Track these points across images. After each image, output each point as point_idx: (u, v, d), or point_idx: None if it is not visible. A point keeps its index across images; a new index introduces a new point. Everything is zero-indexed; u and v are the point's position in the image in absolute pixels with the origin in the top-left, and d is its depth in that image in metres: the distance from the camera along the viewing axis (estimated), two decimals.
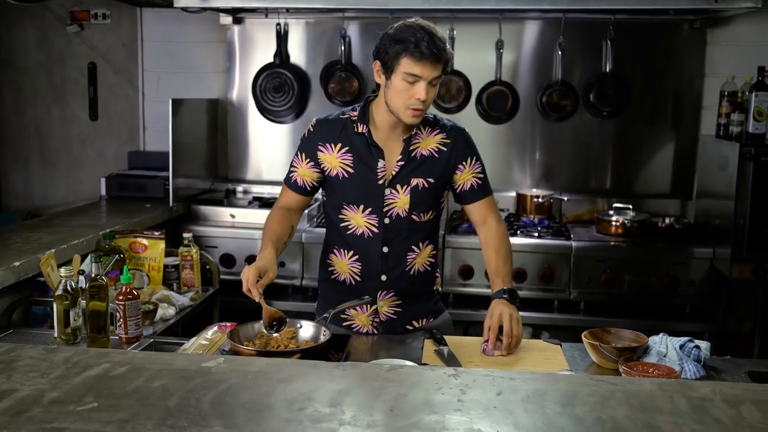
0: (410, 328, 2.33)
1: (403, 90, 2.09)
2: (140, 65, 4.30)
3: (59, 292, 2.17)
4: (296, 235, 3.54)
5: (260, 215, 3.74)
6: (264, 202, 3.94)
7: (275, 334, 2.02)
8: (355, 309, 2.30)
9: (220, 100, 4.26)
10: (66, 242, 2.86)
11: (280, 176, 4.12)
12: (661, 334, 2.05)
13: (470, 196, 2.32)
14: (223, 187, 4.17)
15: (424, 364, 1.96)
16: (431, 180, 2.24)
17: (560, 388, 1.38)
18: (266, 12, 4.05)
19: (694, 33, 3.90)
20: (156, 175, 3.96)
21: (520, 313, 3.43)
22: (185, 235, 3.00)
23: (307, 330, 2.08)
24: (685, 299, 3.43)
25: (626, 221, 3.62)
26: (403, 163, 2.21)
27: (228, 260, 3.61)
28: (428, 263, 2.34)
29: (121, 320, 2.19)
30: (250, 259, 3.60)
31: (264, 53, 4.15)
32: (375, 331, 2.32)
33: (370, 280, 2.28)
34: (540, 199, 3.89)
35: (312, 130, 2.29)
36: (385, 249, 2.25)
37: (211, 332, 2.16)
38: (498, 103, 4.00)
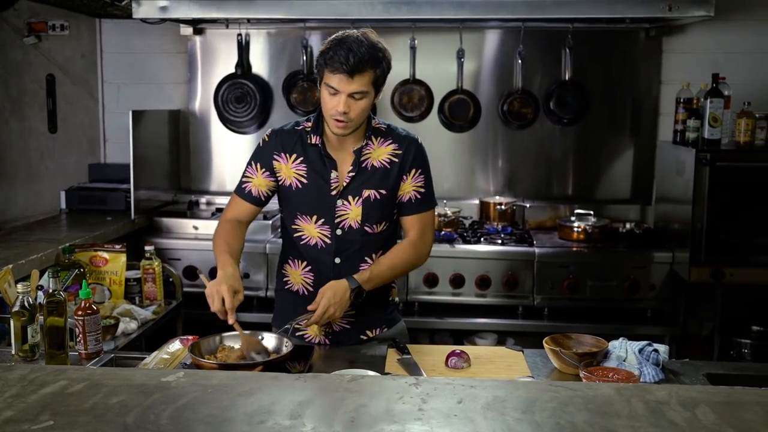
0: (364, 338, 2.33)
1: (327, 100, 2.12)
2: (100, 76, 4.26)
3: (16, 308, 2.13)
4: (260, 246, 3.55)
5: None
6: None
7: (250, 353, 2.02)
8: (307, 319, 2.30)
9: (182, 111, 4.23)
10: (24, 257, 2.82)
11: None
12: (620, 339, 2.08)
13: (406, 209, 2.29)
14: (186, 199, 4.14)
15: (387, 374, 1.96)
16: (383, 191, 2.23)
17: (520, 395, 1.39)
18: (227, 23, 4.03)
19: (650, 41, 3.98)
20: (117, 188, 3.92)
21: (485, 320, 3.51)
22: (147, 247, 2.97)
23: (269, 342, 2.07)
24: (646, 303, 3.49)
25: (588, 227, 3.66)
26: (354, 174, 2.22)
27: (191, 272, 3.57)
28: None
29: (81, 336, 2.16)
30: (214, 272, 3.53)
31: (225, 64, 4.13)
32: (327, 342, 2.32)
33: None
34: (503, 206, 3.92)
35: (267, 140, 2.30)
36: (338, 260, 2.26)
37: (172, 346, 2.14)
38: (460, 111, 4.03)
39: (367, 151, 2.23)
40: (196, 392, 1.37)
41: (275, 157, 2.26)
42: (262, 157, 2.29)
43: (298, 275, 2.31)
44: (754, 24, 3.91)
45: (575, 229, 3.68)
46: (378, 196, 2.23)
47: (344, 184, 2.22)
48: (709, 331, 3.65)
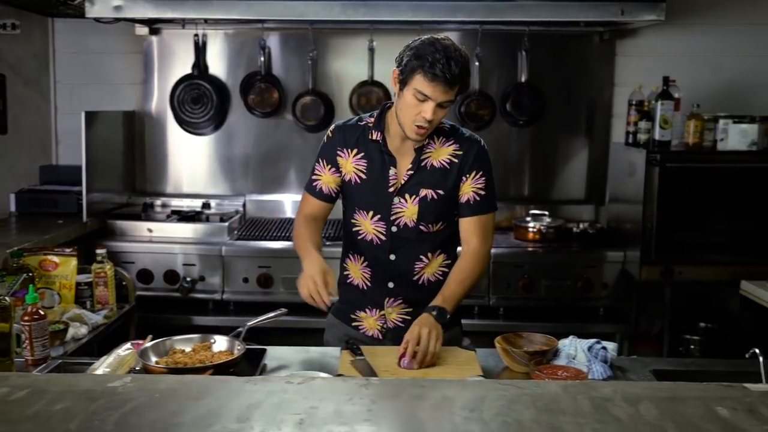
0: None
1: (412, 105, 2.08)
2: (52, 77, 4.18)
3: None
4: (216, 248, 3.52)
5: (179, 229, 3.70)
6: (183, 216, 3.87)
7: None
8: (365, 311, 2.32)
9: (137, 112, 4.18)
10: None
11: (201, 189, 4.16)
12: (570, 337, 2.11)
13: (464, 210, 2.25)
14: (141, 201, 4.08)
15: (339, 375, 1.96)
16: (441, 192, 2.22)
17: (469, 394, 1.40)
18: (183, 23, 3.99)
19: (604, 44, 4.04)
20: (69, 190, 3.84)
21: None
22: (98, 251, 2.91)
23: (220, 344, 2.05)
24: (599, 301, 3.55)
25: (542, 227, 3.71)
26: (412, 172, 2.21)
27: (145, 276, 3.53)
28: (440, 273, 2.29)
29: (27, 342, 2.12)
30: (169, 275, 3.52)
31: (182, 64, 4.09)
32: (381, 336, 2.32)
33: (378, 286, 2.29)
34: None
35: (331, 135, 2.30)
36: (392, 256, 2.26)
37: (123, 350, 2.11)
38: None
39: (429, 151, 2.22)
40: (143, 397, 1.35)
41: (338, 152, 2.27)
42: (327, 153, 2.29)
43: (357, 270, 2.33)
44: (704, 28, 4.00)
45: (530, 229, 3.72)
46: (435, 196, 2.22)
47: (402, 181, 2.22)
48: (659, 328, 3.72)
